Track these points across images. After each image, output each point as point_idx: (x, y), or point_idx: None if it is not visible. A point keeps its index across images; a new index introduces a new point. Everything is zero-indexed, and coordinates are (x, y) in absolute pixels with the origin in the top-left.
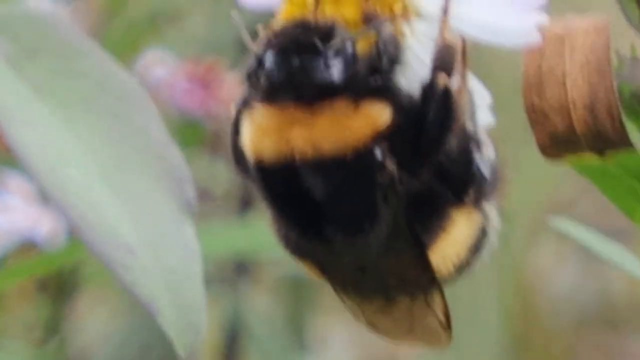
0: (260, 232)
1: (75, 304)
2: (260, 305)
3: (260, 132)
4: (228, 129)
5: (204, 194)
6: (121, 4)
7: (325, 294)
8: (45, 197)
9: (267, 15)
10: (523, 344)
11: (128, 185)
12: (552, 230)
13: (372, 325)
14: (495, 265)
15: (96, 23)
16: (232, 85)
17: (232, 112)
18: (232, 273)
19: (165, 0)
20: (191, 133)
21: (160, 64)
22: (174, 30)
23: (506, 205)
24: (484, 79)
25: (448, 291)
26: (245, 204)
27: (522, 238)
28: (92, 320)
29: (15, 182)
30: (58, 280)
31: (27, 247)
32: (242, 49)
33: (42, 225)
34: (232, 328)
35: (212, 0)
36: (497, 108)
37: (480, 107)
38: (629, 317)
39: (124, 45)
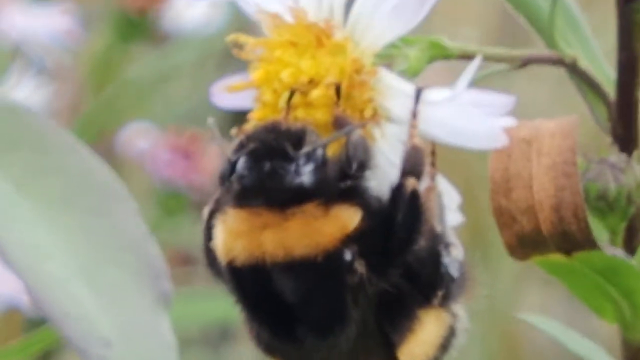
0: None
1: None
2: None
3: (232, 236)
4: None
5: (187, 259)
6: (103, 77)
7: None
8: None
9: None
10: None
11: (106, 280)
12: (537, 278)
13: None
14: (481, 313)
15: (79, 97)
16: (214, 156)
17: (205, 215)
18: (215, 336)
19: (147, 72)
20: (174, 202)
21: (143, 136)
22: (156, 101)
23: (492, 255)
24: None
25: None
26: None
27: (507, 286)
28: None
29: None
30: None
31: (12, 312)
32: (226, 121)
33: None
34: None
35: (194, 69)
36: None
37: (450, 208)
38: None
39: (108, 118)
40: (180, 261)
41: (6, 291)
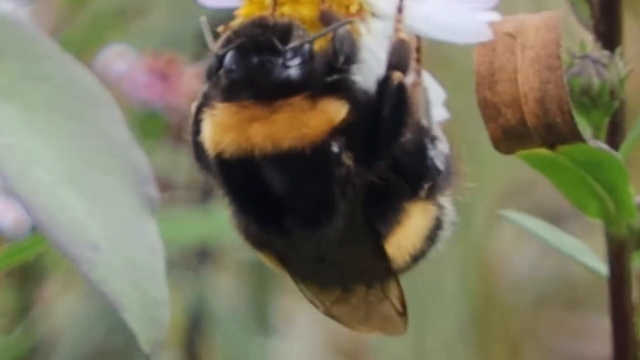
0: (221, 219)
1: (41, 290)
2: (223, 290)
3: (221, 129)
4: (188, 121)
5: (166, 184)
6: (82, 1)
7: (288, 277)
8: (9, 190)
9: (227, 15)
10: (484, 323)
11: (92, 185)
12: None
13: (330, 314)
14: (458, 246)
15: (58, 20)
16: (191, 78)
17: (192, 110)
18: (194, 259)
19: None
20: (152, 125)
21: (121, 58)
22: (135, 25)
23: (467, 189)
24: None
25: (412, 272)
26: (206, 193)
27: (483, 220)
28: (58, 306)
29: None
30: (24, 268)
31: None
32: (202, 42)
33: (7, 215)
34: (195, 312)
35: None
36: (455, 96)
37: (435, 103)
38: (587, 296)
39: (86, 40)
40: (159, 184)
41: None
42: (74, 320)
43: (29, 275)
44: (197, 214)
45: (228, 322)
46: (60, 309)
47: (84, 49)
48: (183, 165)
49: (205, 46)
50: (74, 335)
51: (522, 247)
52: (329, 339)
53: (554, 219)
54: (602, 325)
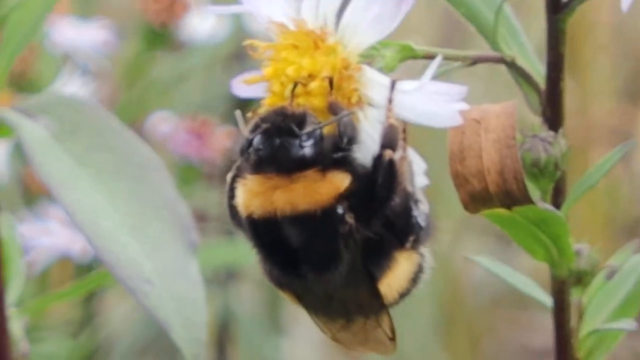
0: (244, 247)
1: (102, 302)
2: (245, 301)
3: (250, 195)
4: (220, 169)
5: (202, 217)
6: (133, 77)
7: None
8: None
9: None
10: (450, 321)
11: (147, 232)
12: (474, 229)
13: (336, 339)
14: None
15: (115, 91)
16: (220, 137)
17: (228, 180)
18: (223, 277)
19: (168, 72)
20: (190, 173)
21: (165, 122)
22: (176, 94)
23: (439, 210)
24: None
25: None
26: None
27: (450, 235)
28: (116, 314)
29: (54, 211)
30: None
31: (65, 260)
32: (229, 109)
33: (76, 244)
34: (223, 318)
35: (206, 69)
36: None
37: (418, 173)
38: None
39: (138, 108)
40: (195, 219)
41: (61, 244)
42: (128, 326)
43: (92, 291)
44: (224, 242)
45: (248, 325)
46: (117, 317)
47: (136, 114)
48: (214, 203)
49: (232, 115)
50: (128, 338)
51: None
52: (327, 337)
53: (504, 236)
54: (547, 321)
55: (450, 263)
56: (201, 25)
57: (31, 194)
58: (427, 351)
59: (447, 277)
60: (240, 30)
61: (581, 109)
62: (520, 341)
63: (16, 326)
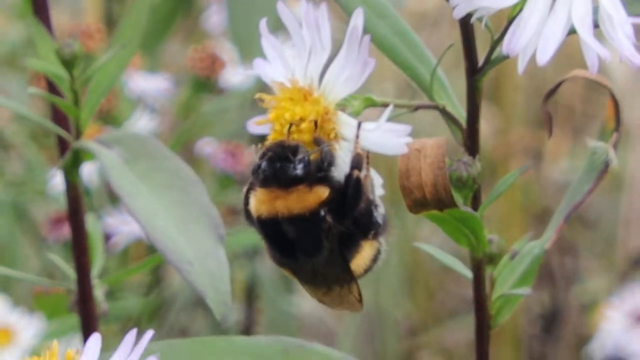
0: None
1: (165, 271)
2: (267, 270)
3: (259, 202)
4: (242, 196)
5: (234, 211)
6: (186, 114)
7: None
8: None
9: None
10: (413, 280)
11: (189, 229)
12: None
13: (320, 300)
14: (397, 234)
15: (173, 126)
16: (248, 156)
17: (244, 191)
18: (251, 253)
19: (211, 110)
20: (227, 181)
21: (208, 145)
22: (216, 127)
23: (404, 212)
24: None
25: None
26: None
27: (413, 218)
28: (175, 280)
29: None
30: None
31: (139, 241)
32: (254, 138)
33: None
34: (251, 282)
35: (237, 107)
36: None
37: (377, 186)
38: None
39: (190, 136)
40: (230, 213)
41: (135, 230)
42: (183, 288)
43: (158, 264)
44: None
45: (269, 287)
46: (176, 282)
47: (188, 140)
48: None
49: (255, 143)
50: (183, 296)
51: (435, 237)
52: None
53: None
54: None
55: (414, 238)
56: (234, 77)
57: (114, 196)
58: (396, 302)
59: (411, 249)
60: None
61: (503, 131)
62: (462, 295)
63: (98, 292)
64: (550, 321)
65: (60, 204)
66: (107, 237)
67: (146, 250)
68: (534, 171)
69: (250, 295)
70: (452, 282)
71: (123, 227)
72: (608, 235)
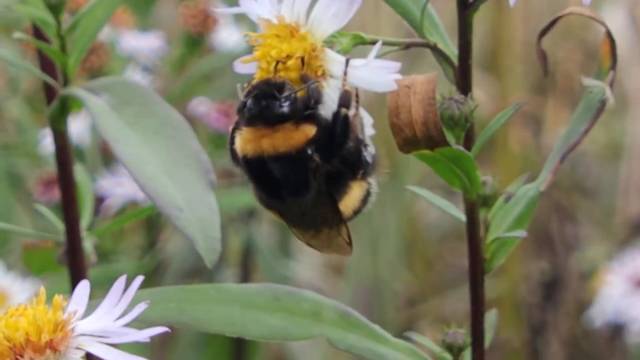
0: None
1: (160, 233)
2: (263, 234)
3: (245, 142)
4: (228, 136)
5: (229, 173)
6: (178, 73)
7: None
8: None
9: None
10: (411, 249)
11: (179, 174)
12: (429, 185)
13: (309, 244)
14: (396, 203)
15: (165, 85)
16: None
17: (229, 131)
18: (246, 217)
19: (203, 69)
20: (220, 141)
21: (202, 105)
22: (211, 84)
23: (403, 167)
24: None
25: (371, 220)
26: None
27: (410, 194)
28: (171, 243)
29: (123, 169)
30: (151, 220)
31: (133, 203)
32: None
33: (140, 192)
34: (247, 247)
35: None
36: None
37: (367, 125)
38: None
39: (182, 95)
40: (224, 174)
41: (129, 192)
42: (179, 250)
43: (153, 225)
44: (246, 191)
45: (266, 252)
46: (171, 245)
47: (181, 99)
48: None
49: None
50: (179, 259)
51: (433, 208)
52: (324, 260)
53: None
54: None
55: (411, 208)
56: (228, 38)
57: (107, 156)
58: (394, 272)
59: (409, 217)
60: None
61: (501, 99)
62: (462, 265)
63: (87, 244)
64: (550, 288)
65: (52, 166)
66: (101, 200)
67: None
68: (533, 139)
69: (246, 260)
70: (450, 253)
71: (116, 189)
72: (607, 203)
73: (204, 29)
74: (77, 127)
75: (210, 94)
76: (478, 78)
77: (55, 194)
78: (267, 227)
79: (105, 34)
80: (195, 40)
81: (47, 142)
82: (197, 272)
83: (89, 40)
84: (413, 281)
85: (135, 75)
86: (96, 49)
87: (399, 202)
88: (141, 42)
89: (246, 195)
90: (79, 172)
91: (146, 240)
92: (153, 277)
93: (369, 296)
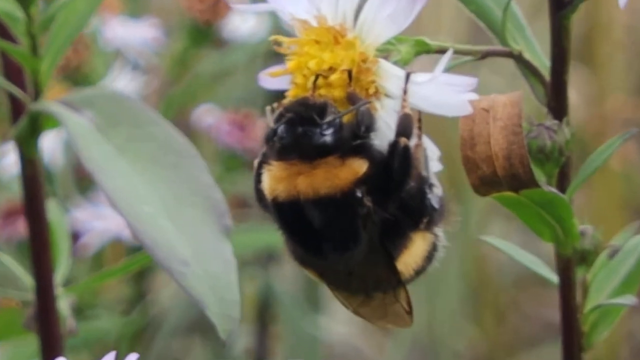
0: None
1: (152, 282)
2: (285, 280)
3: (275, 180)
4: (253, 174)
5: (243, 202)
6: (180, 72)
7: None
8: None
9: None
10: (478, 297)
11: (184, 217)
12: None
13: (357, 313)
14: (458, 239)
15: (163, 87)
16: (261, 128)
17: (255, 166)
18: (265, 259)
19: (212, 67)
20: (233, 161)
21: (209, 114)
22: (219, 89)
23: (468, 196)
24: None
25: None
26: None
27: (477, 219)
28: (164, 293)
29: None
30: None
31: (117, 242)
32: (270, 101)
33: (126, 227)
34: (265, 296)
35: (246, 65)
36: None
37: (432, 158)
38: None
39: (184, 100)
40: (237, 204)
41: (112, 227)
42: (175, 304)
43: (143, 271)
44: (265, 226)
45: (289, 303)
46: (166, 296)
47: (182, 107)
48: None
49: (272, 106)
50: (177, 316)
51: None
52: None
53: None
54: None
55: (478, 244)
56: (243, 24)
57: (85, 180)
58: (456, 321)
59: (475, 256)
60: (278, 29)
61: (597, 100)
62: (543, 317)
63: (64, 305)
64: None
65: (15, 192)
66: (76, 237)
67: (127, 254)
68: (638, 154)
69: (263, 314)
70: (528, 302)
71: (96, 222)
72: None
73: (214, 17)
74: (48, 143)
75: (221, 101)
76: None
77: (19, 228)
78: (290, 271)
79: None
80: (202, 30)
81: (8, 162)
82: (199, 329)
83: (68, 39)
84: (480, 338)
85: (122, 76)
86: (73, 42)
87: (462, 235)
88: (131, 32)
89: (264, 232)
90: (52, 208)
91: (134, 290)
92: (143, 336)
93: (423, 357)
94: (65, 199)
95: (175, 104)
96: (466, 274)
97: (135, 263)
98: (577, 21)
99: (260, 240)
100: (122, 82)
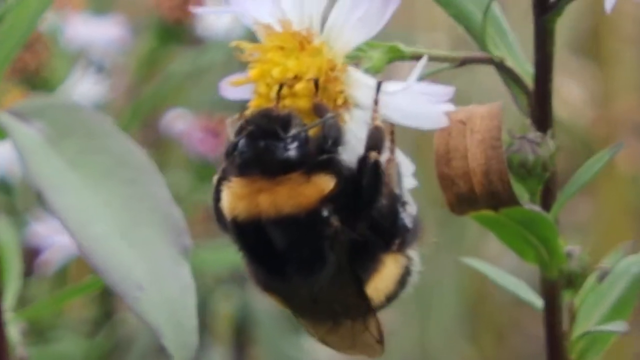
0: None
1: (118, 302)
2: (263, 299)
3: (235, 198)
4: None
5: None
6: (148, 74)
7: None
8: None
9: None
10: (475, 315)
11: (140, 237)
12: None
13: (324, 342)
14: (455, 254)
15: (130, 91)
16: None
17: (214, 182)
18: (241, 276)
19: (183, 69)
20: (206, 171)
21: (180, 119)
22: (191, 92)
23: (431, 243)
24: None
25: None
26: None
27: (475, 233)
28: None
29: None
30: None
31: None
32: (245, 107)
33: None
34: (242, 316)
35: (222, 66)
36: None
37: (406, 174)
38: None
39: (153, 106)
40: (211, 217)
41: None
42: (144, 325)
43: (108, 290)
44: None
45: (268, 324)
46: (134, 316)
47: (151, 112)
48: None
49: (232, 118)
50: (145, 336)
51: (504, 257)
52: None
53: None
54: None
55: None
56: (217, 21)
57: None
58: (451, 341)
59: (472, 272)
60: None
61: (605, 100)
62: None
63: (13, 331)
64: None
65: None
66: (35, 253)
67: (92, 271)
68: None
69: (240, 335)
70: (528, 320)
71: (58, 237)
72: None
73: (184, 15)
74: (2, 153)
75: (193, 104)
76: (573, 67)
77: None
78: None
79: (44, 19)
80: (172, 29)
81: None
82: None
83: (20, 39)
84: (478, 358)
85: (85, 79)
86: (31, 42)
87: (458, 246)
88: (95, 31)
89: None
90: (2, 227)
91: (100, 310)
92: (109, 359)
93: None
94: (24, 212)
95: (143, 109)
96: (463, 290)
97: (97, 284)
98: (582, 14)
99: (236, 256)
100: (86, 85)
